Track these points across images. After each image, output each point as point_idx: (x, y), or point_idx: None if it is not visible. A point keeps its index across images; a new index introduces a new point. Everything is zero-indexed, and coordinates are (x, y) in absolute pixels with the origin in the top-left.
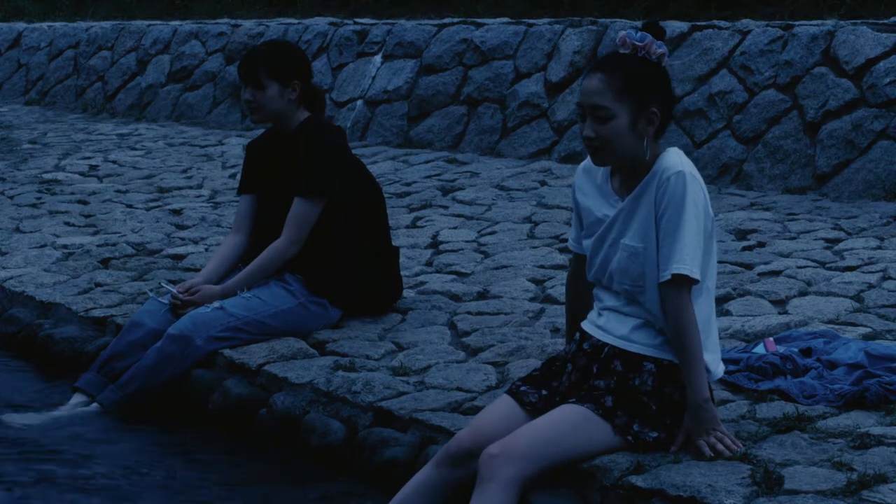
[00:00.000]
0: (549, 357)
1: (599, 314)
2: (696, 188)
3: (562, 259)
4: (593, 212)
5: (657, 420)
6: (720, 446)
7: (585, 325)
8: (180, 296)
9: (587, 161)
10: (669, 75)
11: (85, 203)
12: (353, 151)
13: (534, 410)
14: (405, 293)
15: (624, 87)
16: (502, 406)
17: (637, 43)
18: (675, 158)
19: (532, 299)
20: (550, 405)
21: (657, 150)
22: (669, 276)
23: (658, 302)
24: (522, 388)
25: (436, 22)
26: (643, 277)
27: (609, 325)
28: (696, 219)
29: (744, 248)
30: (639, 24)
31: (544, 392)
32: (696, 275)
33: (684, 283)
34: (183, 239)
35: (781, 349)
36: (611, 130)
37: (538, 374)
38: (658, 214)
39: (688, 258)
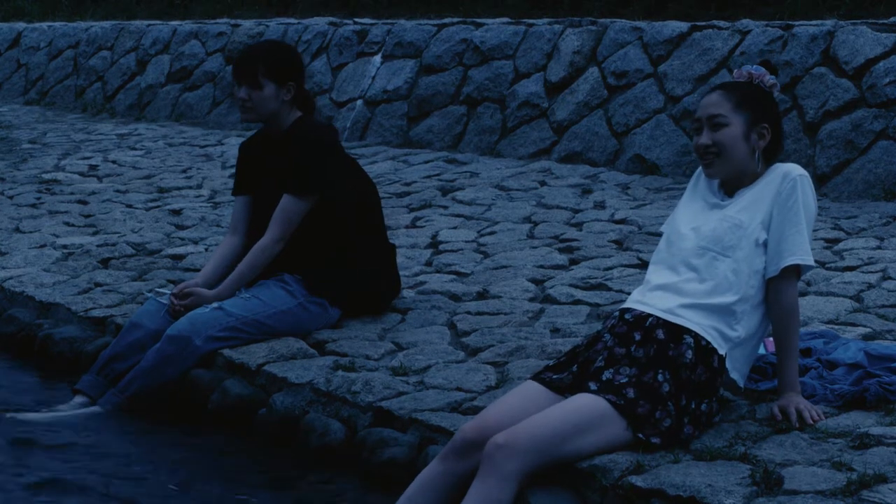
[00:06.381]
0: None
1: (646, 293)
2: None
3: (561, 259)
4: (697, 199)
5: (676, 401)
6: (806, 414)
7: (628, 303)
8: (177, 301)
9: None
10: (779, 106)
11: (84, 203)
12: (353, 151)
13: (562, 389)
14: (405, 293)
15: (740, 101)
16: (520, 393)
17: (752, 72)
18: (792, 165)
19: (532, 299)
20: (584, 376)
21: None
22: (792, 265)
23: (725, 272)
24: (552, 376)
25: (435, 22)
26: (732, 249)
27: (655, 301)
28: (811, 217)
29: None
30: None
31: (574, 368)
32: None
33: (798, 273)
34: (182, 239)
35: None
36: (726, 136)
37: (564, 359)
38: (779, 206)
39: (808, 250)
